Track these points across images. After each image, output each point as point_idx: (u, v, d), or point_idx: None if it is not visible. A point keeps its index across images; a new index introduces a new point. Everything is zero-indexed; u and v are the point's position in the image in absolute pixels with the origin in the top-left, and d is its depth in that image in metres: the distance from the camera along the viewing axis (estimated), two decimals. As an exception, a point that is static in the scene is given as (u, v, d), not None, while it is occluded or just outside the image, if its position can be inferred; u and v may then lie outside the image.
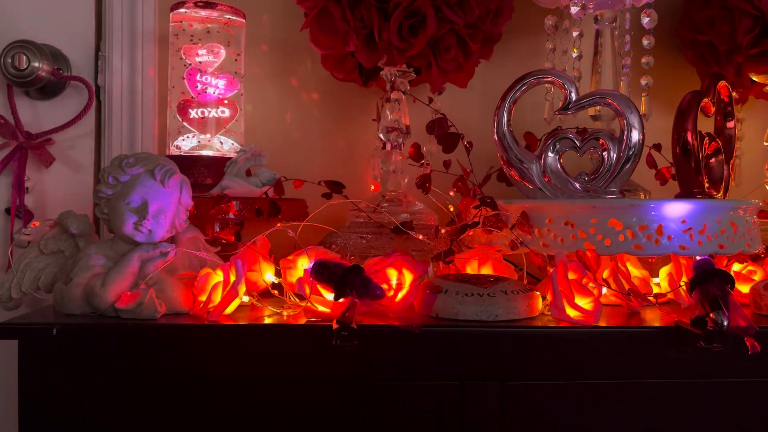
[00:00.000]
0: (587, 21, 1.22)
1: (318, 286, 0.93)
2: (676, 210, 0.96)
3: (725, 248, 0.98)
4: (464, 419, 0.91)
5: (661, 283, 1.07)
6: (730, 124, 1.11)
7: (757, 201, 1.04)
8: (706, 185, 1.05)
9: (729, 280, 0.94)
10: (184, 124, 1.22)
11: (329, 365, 0.91)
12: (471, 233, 1.06)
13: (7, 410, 1.26)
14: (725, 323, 0.86)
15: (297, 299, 0.97)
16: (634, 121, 1.02)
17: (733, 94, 1.14)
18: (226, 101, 1.22)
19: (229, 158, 1.17)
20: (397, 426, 0.92)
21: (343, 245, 1.12)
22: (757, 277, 1.09)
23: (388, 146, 1.20)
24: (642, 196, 1.23)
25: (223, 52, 1.22)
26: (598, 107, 1.19)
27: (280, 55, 1.41)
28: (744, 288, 1.07)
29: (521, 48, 1.40)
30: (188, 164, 1.17)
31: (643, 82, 1.18)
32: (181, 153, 1.22)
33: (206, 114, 1.21)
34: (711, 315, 0.87)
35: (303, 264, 0.97)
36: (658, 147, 1.22)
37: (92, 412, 0.90)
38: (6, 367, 1.23)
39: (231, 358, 0.91)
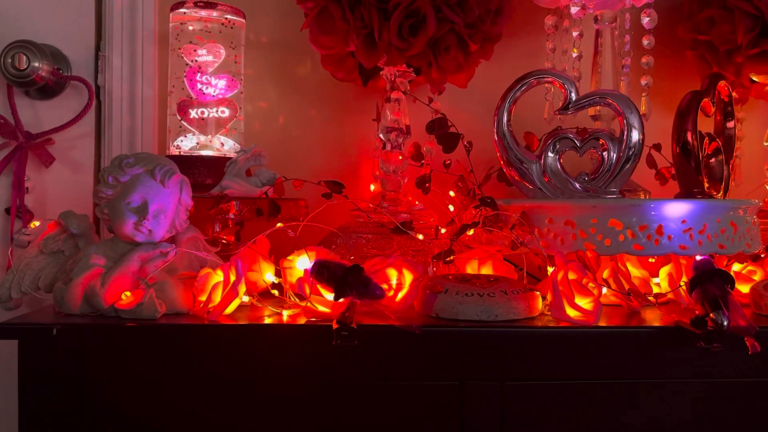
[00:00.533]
0: (587, 21, 1.22)
1: (318, 286, 0.93)
2: (676, 210, 0.97)
3: (725, 248, 0.98)
4: (464, 419, 0.91)
5: (661, 283, 1.07)
6: (730, 124, 1.11)
7: (757, 201, 1.04)
8: (706, 185, 1.05)
9: (729, 280, 0.94)
10: (184, 124, 1.22)
11: (329, 365, 0.91)
12: (470, 233, 1.06)
13: (7, 410, 1.26)
14: (725, 323, 0.86)
15: (297, 299, 0.97)
16: (634, 121, 1.02)
17: (733, 94, 1.14)
18: (226, 101, 1.22)
19: (229, 158, 1.17)
20: (397, 426, 0.92)
21: (343, 245, 1.12)
22: (757, 277, 1.09)
23: (388, 146, 1.20)
24: (642, 196, 1.23)
25: (223, 52, 1.22)
26: (598, 107, 1.18)
27: (280, 55, 1.41)
28: (744, 288, 1.07)
29: (521, 48, 1.40)
30: (188, 164, 1.17)
31: (643, 82, 1.18)
32: (181, 153, 1.22)
33: (206, 114, 1.21)
34: (711, 315, 0.87)
35: (303, 264, 0.97)
36: (658, 147, 1.22)
37: (92, 412, 0.90)
38: (6, 367, 1.23)
39: (231, 358, 0.91)
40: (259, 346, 0.91)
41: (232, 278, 0.94)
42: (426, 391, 0.92)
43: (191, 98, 1.21)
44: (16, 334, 0.89)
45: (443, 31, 1.11)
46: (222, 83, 1.22)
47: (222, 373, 0.91)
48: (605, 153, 1.04)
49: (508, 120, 1.06)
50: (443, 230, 1.09)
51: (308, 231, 1.03)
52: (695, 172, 1.04)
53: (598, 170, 1.04)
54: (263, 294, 1.02)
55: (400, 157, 1.20)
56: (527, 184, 1.06)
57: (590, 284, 0.96)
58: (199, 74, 1.20)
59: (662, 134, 1.18)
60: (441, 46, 1.13)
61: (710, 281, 0.93)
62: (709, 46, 1.28)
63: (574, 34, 1.20)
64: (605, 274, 1.02)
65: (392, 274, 0.95)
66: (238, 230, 1.10)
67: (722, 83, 1.10)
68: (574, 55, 1.22)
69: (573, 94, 1.06)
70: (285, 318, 0.94)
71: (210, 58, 1.21)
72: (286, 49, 1.41)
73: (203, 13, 1.21)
